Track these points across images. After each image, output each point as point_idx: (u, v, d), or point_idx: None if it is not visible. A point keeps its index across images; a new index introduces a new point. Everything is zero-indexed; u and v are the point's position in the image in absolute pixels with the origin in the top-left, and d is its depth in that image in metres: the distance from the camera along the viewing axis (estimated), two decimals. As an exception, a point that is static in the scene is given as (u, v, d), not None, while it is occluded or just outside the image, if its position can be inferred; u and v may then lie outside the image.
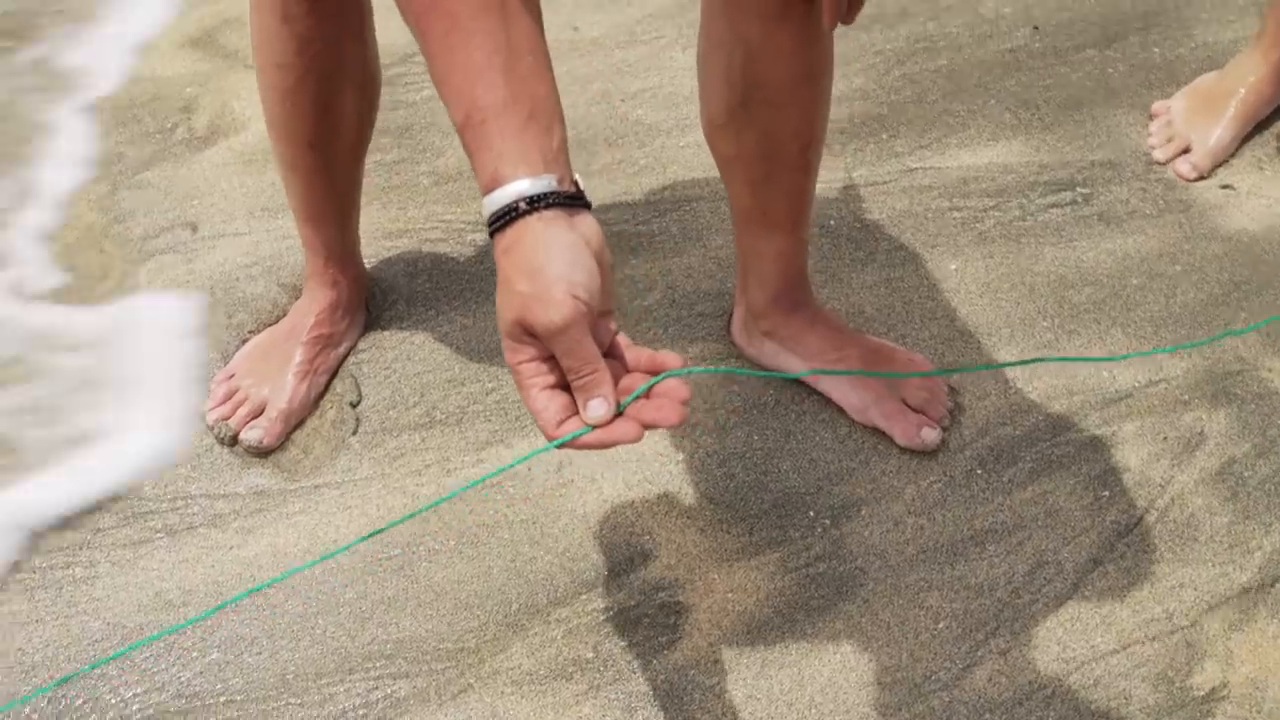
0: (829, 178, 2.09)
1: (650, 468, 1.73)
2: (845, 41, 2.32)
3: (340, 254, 1.85)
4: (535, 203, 1.09)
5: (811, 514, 1.68)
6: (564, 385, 1.12)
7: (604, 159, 2.15)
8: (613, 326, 1.16)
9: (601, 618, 1.59)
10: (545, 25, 1.16)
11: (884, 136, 2.17)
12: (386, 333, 1.89)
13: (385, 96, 1.84)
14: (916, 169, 2.11)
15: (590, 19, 2.41)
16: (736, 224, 1.75)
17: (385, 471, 1.74)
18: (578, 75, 2.29)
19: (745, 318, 1.82)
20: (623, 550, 1.65)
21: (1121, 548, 1.64)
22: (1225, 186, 2.07)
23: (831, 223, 2.02)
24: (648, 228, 2.03)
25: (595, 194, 2.08)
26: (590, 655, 1.56)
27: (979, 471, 1.71)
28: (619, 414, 1.11)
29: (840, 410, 1.77)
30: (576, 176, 1.14)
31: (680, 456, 1.74)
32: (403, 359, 1.86)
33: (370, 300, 1.92)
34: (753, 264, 1.76)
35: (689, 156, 2.13)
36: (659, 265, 1.97)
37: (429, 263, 1.98)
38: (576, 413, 1.11)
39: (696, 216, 2.04)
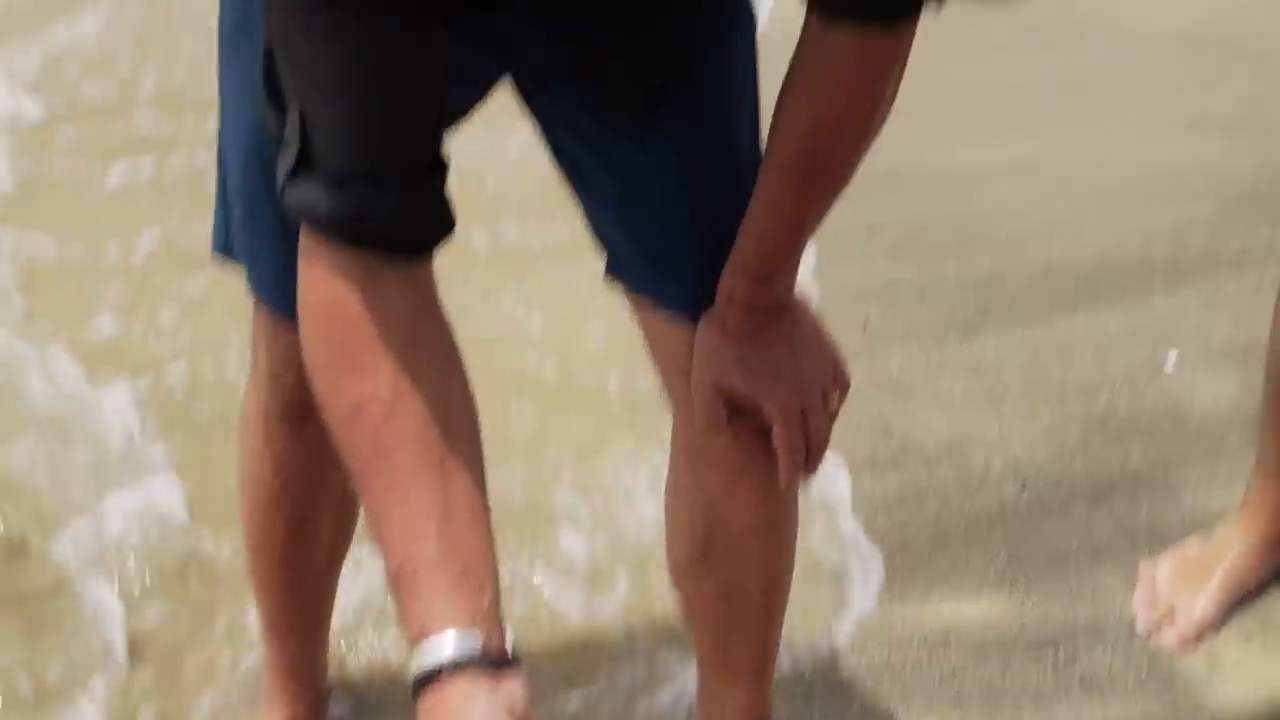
0: (811, 628, 2.06)
1: None
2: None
3: (302, 672, 1.83)
4: (459, 665, 1.09)
5: None
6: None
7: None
8: (533, 791, 1.13)
9: None
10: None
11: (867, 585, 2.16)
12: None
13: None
14: (897, 621, 2.09)
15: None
16: (699, 671, 1.72)
17: None
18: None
19: (705, 769, 1.77)
20: None
21: None
22: (1211, 657, 2.03)
23: (806, 674, 1.99)
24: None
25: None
26: None
27: None
28: None
29: None
30: (508, 632, 1.14)
31: None
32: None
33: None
34: (712, 714, 1.72)
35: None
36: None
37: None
38: None
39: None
